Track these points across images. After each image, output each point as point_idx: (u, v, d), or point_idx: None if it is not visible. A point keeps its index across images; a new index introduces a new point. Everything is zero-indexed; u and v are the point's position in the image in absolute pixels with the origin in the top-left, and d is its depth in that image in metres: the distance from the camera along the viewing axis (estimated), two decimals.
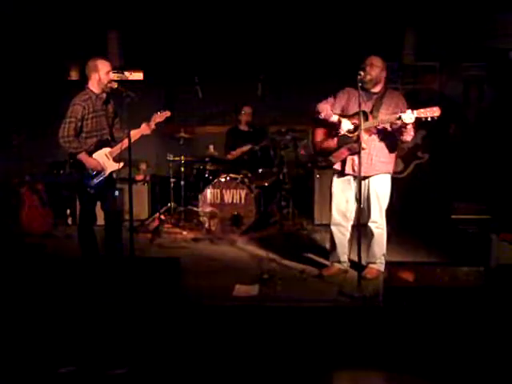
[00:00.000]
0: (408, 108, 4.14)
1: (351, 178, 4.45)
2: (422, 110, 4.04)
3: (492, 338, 3.21)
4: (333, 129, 4.39)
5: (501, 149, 6.24)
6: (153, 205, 6.74)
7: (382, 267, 4.46)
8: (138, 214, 6.15)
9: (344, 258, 4.60)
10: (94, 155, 4.35)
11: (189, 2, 6.71)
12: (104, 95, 4.39)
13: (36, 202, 6.08)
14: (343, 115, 4.36)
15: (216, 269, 4.86)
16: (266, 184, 6.36)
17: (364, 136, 4.18)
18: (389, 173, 4.43)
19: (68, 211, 6.51)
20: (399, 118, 4.07)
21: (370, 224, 4.42)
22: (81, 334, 3.41)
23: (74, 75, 7.40)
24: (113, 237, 4.51)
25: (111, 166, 4.43)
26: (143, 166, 6.89)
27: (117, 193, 4.64)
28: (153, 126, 4.50)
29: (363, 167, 4.14)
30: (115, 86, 4.32)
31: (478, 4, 6.39)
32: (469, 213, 5.73)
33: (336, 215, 4.54)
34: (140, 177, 6.79)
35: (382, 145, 4.37)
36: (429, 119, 4.04)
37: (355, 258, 4.30)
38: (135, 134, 4.39)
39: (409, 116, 4.03)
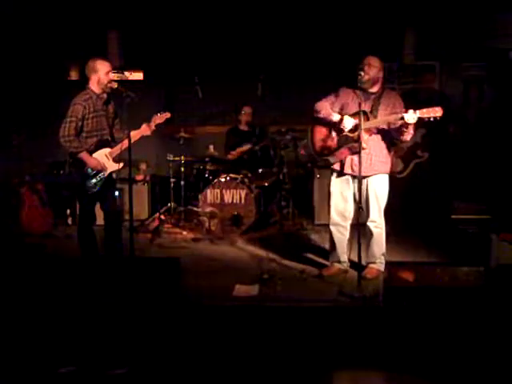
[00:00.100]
0: (406, 108, 4.15)
1: (350, 178, 4.45)
2: (424, 110, 4.05)
3: (492, 337, 3.21)
4: (333, 127, 4.39)
5: (501, 149, 6.24)
6: (153, 205, 6.74)
7: (381, 267, 4.46)
8: (137, 214, 6.15)
9: (344, 257, 4.61)
10: (94, 155, 4.35)
11: (189, 2, 6.71)
12: (105, 95, 4.39)
13: (36, 202, 6.08)
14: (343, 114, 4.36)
15: (216, 269, 4.86)
16: (266, 184, 6.36)
17: (364, 136, 4.18)
18: (387, 173, 4.44)
19: (68, 211, 6.52)
20: (402, 118, 4.07)
21: (368, 224, 4.42)
22: (81, 333, 3.41)
23: (73, 75, 7.40)
24: (113, 237, 4.51)
25: (111, 167, 4.43)
26: (143, 166, 6.89)
27: (117, 193, 4.64)
28: (153, 127, 4.50)
29: (362, 167, 4.14)
30: (115, 86, 4.32)
31: (477, 4, 6.39)
32: (469, 213, 5.73)
33: (335, 215, 4.55)
34: (140, 177, 6.79)
35: (381, 145, 4.39)
36: (431, 119, 4.05)
37: (355, 258, 4.30)
38: (135, 134, 4.39)
39: (411, 116, 4.03)
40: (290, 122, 6.32)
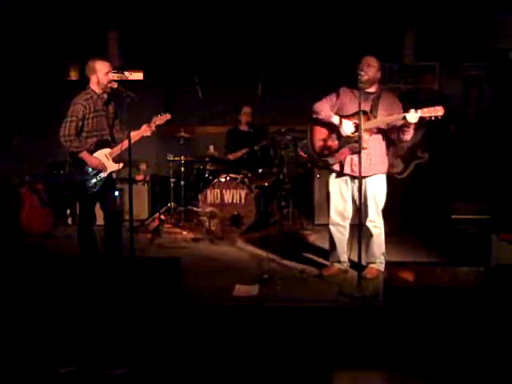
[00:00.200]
0: (407, 108, 4.15)
1: (348, 178, 4.45)
2: (425, 110, 4.05)
3: (492, 337, 3.21)
4: (333, 129, 4.39)
5: (501, 149, 6.23)
6: (153, 205, 6.74)
7: (381, 267, 4.46)
8: (137, 214, 6.15)
9: (344, 257, 4.61)
10: (94, 155, 4.34)
11: (189, 2, 6.72)
12: (105, 95, 4.40)
13: (36, 202, 6.08)
14: (342, 115, 4.35)
15: (216, 269, 4.86)
16: (266, 184, 6.36)
17: (365, 136, 4.19)
18: (385, 173, 4.45)
19: (68, 211, 6.52)
20: (404, 117, 4.08)
21: (367, 224, 4.42)
22: (81, 333, 3.41)
23: (73, 75, 7.40)
24: (113, 237, 4.51)
25: (111, 167, 4.43)
26: (143, 166, 6.89)
27: (116, 193, 4.64)
28: (153, 128, 4.50)
29: (362, 167, 4.14)
30: (115, 86, 4.32)
31: (477, 4, 6.39)
32: (469, 213, 5.73)
33: (334, 215, 4.55)
34: (140, 177, 6.79)
35: (381, 145, 4.40)
36: (432, 118, 4.05)
37: (355, 258, 4.30)
38: (135, 135, 4.38)
39: (413, 116, 4.04)
40: (289, 122, 6.32)
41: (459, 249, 5.04)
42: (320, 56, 6.89)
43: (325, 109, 4.38)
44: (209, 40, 6.97)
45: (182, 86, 7.25)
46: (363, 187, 4.31)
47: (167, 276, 3.87)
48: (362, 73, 4.17)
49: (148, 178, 6.84)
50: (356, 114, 4.22)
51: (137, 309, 3.56)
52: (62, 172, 6.70)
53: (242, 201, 5.97)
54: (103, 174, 4.38)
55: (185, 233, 6.10)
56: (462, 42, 6.79)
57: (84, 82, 4.42)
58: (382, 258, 4.51)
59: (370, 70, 4.25)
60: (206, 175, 6.40)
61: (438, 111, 4.04)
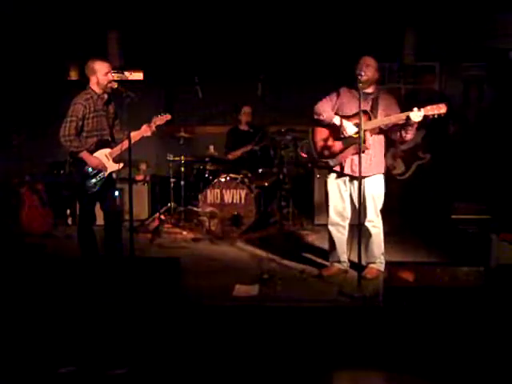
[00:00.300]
0: (408, 108, 4.15)
1: (347, 178, 4.46)
2: (428, 108, 4.06)
3: (492, 337, 3.21)
4: (335, 130, 4.37)
5: (501, 149, 6.23)
6: (153, 205, 6.74)
7: (381, 267, 4.46)
8: (137, 214, 6.15)
9: (344, 257, 4.61)
10: (94, 155, 4.34)
11: (189, 2, 6.72)
12: (105, 96, 4.40)
13: (36, 202, 6.08)
14: (342, 116, 4.34)
15: (216, 269, 4.86)
16: (266, 184, 6.36)
17: (367, 136, 4.21)
18: (383, 173, 4.46)
19: (68, 211, 6.52)
20: (407, 116, 4.08)
21: (366, 224, 4.42)
22: (81, 333, 3.41)
23: (73, 75, 7.40)
24: (112, 237, 4.51)
25: (111, 167, 4.43)
26: (143, 166, 6.89)
27: (116, 193, 4.64)
28: (153, 128, 4.49)
29: (362, 167, 4.14)
30: (115, 86, 4.32)
31: (477, 4, 6.39)
32: (469, 213, 5.72)
33: (333, 215, 4.55)
34: (140, 177, 6.80)
35: (381, 145, 4.41)
36: (435, 116, 4.05)
37: (355, 259, 4.30)
38: (135, 135, 4.38)
39: (417, 114, 4.05)
40: (289, 122, 6.31)
41: (459, 249, 5.04)
42: (320, 56, 6.89)
43: (326, 110, 4.37)
44: (209, 40, 6.97)
45: (182, 86, 7.25)
46: (358, 187, 4.31)
47: (167, 276, 3.87)
48: (362, 73, 4.16)
49: (148, 178, 6.84)
50: (357, 115, 4.21)
51: (137, 309, 3.56)
52: (62, 172, 6.70)
53: (242, 201, 5.97)
54: (103, 174, 4.38)
55: (185, 233, 6.10)
56: (462, 42, 6.79)
57: (84, 82, 4.42)
58: (382, 257, 4.51)
59: (368, 70, 4.25)
60: (206, 175, 6.40)
61: (441, 108, 4.04)
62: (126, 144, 4.27)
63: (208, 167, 6.43)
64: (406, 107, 4.24)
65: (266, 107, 6.89)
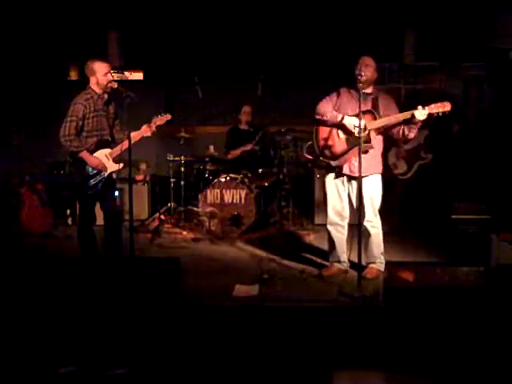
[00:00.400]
0: (409, 108, 4.16)
1: (345, 178, 4.46)
2: (432, 106, 4.07)
3: (492, 337, 3.21)
4: (340, 129, 4.37)
5: (501, 149, 6.23)
6: (153, 205, 6.75)
7: (381, 267, 4.46)
8: (138, 214, 6.15)
9: (344, 257, 4.61)
10: (95, 155, 4.34)
11: (189, 2, 6.72)
12: (105, 96, 4.40)
13: (36, 201, 6.08)
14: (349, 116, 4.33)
15: (216, 269, 4.86)
16: (266, 184, 6.36)
17: (371, 135, 4.22)
18: (380, 173, 4.46)
19: (68, 211, 6.52)
20: (412, 115, 4.08)
21: (365, 224, 4.41)
22: (81, 334, 3.41)
23: (73, 75, 7.40)
24: (112, 237, 4.51)
25: (111, 167, 4.43)
26: (143, 166, 6.89)
27: (116, 193, 4.64)
28: (153, 128, 4.49)
29: (361, 167, 4.14)
30: (115, 85, 4.32)
31: (478, 4, 6.39)
32: (469, 213, 5.73)
33: (332, 215, 4.55)
34: (140, 177, 6.80)
35: (379, 145, 4.41)
36: (440, 114, 4.06)
37: (355, 259, 4.30)
38: (135, 135, 4.38)
39: (421, 113, 4.05)
40: (290, 122, 6.32)
41: (459, 249, 5.04)
42: (320, 56, 6.89)
43: (329, 110, 4.36)
44: (209, 40, 6.97)
45: (182, 86, 7.26)
46: (358, 187, 4.31)
47: (167, 276, 3.87)
48: (362, 73, 4.16)
49: (148, 178, 6.84)
50: (362, 114, 4.18)
51: (137, 309, 3.56)
52: (62, 172, 6.70)
53: (242, 201, 5.97)
54: (103, 174, 4.38)
55: (185, 233, 6.10)
56: (462, 42, 6.78)
57: (84, 82, 4.42)
58: (382, 257, 4.51)
59: (367, 70, 4.25)
60: (206, 175, 6.40)
61: (446, 106, 4.05)
62: (126, 144, 4.27)
63: (208, 167, 6.43)
64: (408, 106, 4.24)
65: (265, 107, 6.89)
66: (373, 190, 4.41)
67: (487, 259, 4.34)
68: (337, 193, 4.50)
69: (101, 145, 4.39)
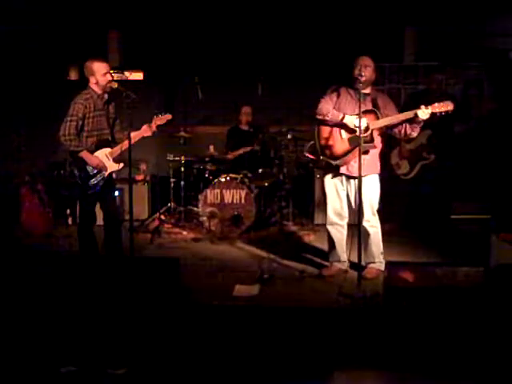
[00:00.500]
0: (411, 108, 4.17)
1: (343, 178, 4.46)
2: (436, 105, 4.07)
3: (492, 337, 3.21)
4: (342, 130, 4.36)
5: (501, 149, 6.23)
6: (153, 205, 6.75)
7: (381, 267, 4.46)
8: (138, 214, 6.15)
9: (344, 257, 4.61)
10: (95, 155, 4.35)
11: (189, 2, 6.72)
12: (106, 96, 4.40)
13: (36, 202, 6.08)
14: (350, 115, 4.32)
15: (216, 269, 4.85)
16: (266, 184, 6.36)
17: (375, 135, 4.23)
18: (378, 173, 4.47)
19: (68, 211, 6.51)
20: (415, 114, 4.09)
21: (364, 224, 4.41)
22: (81, 333, 3.41)
23: (73, 75, 7.41)
24: (112, 237, 4.51)
25: (111, 167, 4.43)
26: (143, 166, 6.89)
27: (117, 193, 4.64)
28: (154, 128, 4.49)
29: (357, 167, 4.14)
30: (115, 85, 4.32)
31: (478, 4, 6.39)
32: (469, 213, 5.72)
33: (332, 215, 4.55)
34: (140, 177, 6.79)
35: (380, 145, 4.41)
36: (443, 114, 4.06)
37: (355, 259, 4.30)
38: (136, 135, 4.38)
39: (424, 112, 4.06)
40: (290, 121, 6.32)
41: (459, 249, 5.04)
42: (320, 56, 6.89)
43: (330, 110, 4.34)
44: (209, 40, 6.98)
45: (182, 86, 7.26)
46: (358, 187, 4.31)
47: (167, 276, 3.87)
48: (363, 73, 4.16)
49: (148, 178, 6.84)
50: (363, 113, 4.17)
51: (136, 309, 3.55)
52: (62, 172, 6.69)
53: (242, 201, 5.97)
54: (103, 174, 4.38)
55: (185, 233, 6.10)
56: (462, 42, 6.79)
57: (84, 82, 4.42)
58: (381, 257, 4.51)
59: (367, 70, 4.25)
60: (206, 175, 6.40)
61: (449, 106, 4.06)
62: (126, 144, 4.27)
63: (208, 167, 6.43)
64: (412, 106, 4.23)
65: (266, 107, 6.89)
66: (371, 190, 4.41)
67: (487, 259, 4.33)
68: (336, 192, 4.51)
69: (101, 144, 4.39)
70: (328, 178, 4.53)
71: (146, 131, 4.47)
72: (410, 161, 5.96)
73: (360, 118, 4.07)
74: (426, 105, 4.08)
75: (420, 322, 3.30)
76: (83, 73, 4.43)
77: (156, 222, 6.23)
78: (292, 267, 4.85)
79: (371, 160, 4.35)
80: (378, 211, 4.49)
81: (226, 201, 6.00)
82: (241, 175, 6.15)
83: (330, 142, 4.41)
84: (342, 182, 4.48)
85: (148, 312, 3.55)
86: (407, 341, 3.25)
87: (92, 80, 4.34)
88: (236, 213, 5.95)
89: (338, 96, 4.41)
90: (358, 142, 4.12)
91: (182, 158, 6.37)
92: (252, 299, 4.06)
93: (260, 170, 6.44)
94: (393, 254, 4.85)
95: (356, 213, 4.30)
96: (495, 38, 6.88)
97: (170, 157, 6.39)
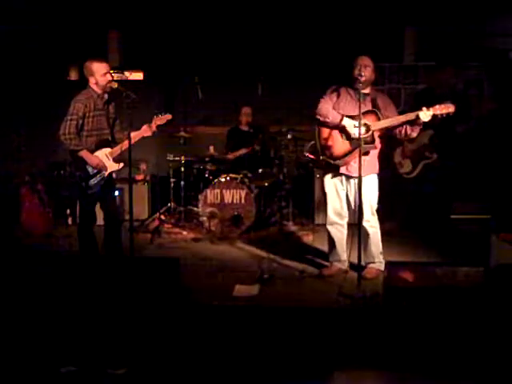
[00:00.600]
0: (413, 109, 4.17)
1: (343, 177, 4.46)
2: (437, 107, 4.07)
3: (492, 337, 3.21)
4: (343, 131, 4.35)
5: (501, 149, 6.23)
6: (153, 205, 6.75)
7: (381, 267, 4.46)
8: (138, 214, 6.15)
9: (344, 256, 4.61)
10: (95, 154, 4.34)
11: (189, 2, 6.72)
12: (106, 96, 4.40)
13: (36, 202, 6.08)
14: (348, 116, 4.31)
15: (216, 269, 4.85)
16: (266, 184, 6.36)
17: (376, 136, 4.23)
18: (377, 173, 4.47)
19: (68, 211, 6.51)
20: (417, 116, 4.09)
21: (364, 224, 4.40)
22: (81, 333, 3.41)
23: (73, 75, 7.41)
24: (112, 237, 4.52)
25: (111, 167, 4.43)
26: (143, 166, 6.89)
27: (117, 193, 4.64)
28: (154, 128, 4.49)
29: (356, 167, 4.14)
30: (115, 85, 4.32)
31: (478, 4, 6.39)
32: (469, 212, 5.72)
33: (332, 214, 4.55)
34: (140, 177, 6.79)
35: (379, 145, 4.41)
36: (444, 116, 4.06)
37: (355, 260, 4.30)
38: (136, 135, 4.38)
39: (426, 114, 4.06)
40: (290, 121, 6.32)
41: (459, 249, 5.04)
42: (320, 56, 6.89)
43: (331, 111, 4.33)
44: (209, 40, 6.97)
45: (182, 86, 7.25)
46: (357, 187, 4.31)
47: (167, 276, 3.87)
48: (362, 73, 4.16)
49: (148, 178, 6.84)
50: (363, 115, 4.17)
51: (136, 309, 3.55)
52: (62, 172, 6.70)
53: (242, 201, 5.97)
54: (103, 174, 4.38)
55: (185, 233, 6.10)
56: (462, 42, 6.78)
57: (84, 82, 4.42)
58: (381, 257, 4.51)
59: (367, 70, 4.25)
60: (206, 175, 6.40)
61: (450, 108, 4.07)
62: (126, 144, 4.28)
63: (208, 167, 6.43)
64: (418, 107, 4.23)
65: (266, 107, 6.89)
66: (370, 190, 4.41)
67: (487, 259, 4.33)
68: (335, 192, 4.51)
69: (101, 144, 4.39)
70: (328, 178, 4.53)
71: (146, 131, 4.47)
72: (412, 160, 5.96)
73: (360, 118, 4.07)
74: (428, 106, 4.09)
75: (420, 322, 3.30)
76: (83, 73, 4.43)
77: (156, 222, 6.23)
78: (292, 267, 4.85)
79: (370, 160, 4.36)
80: (379, 210, 4.49)
81: (226, 201, 6.00)
82: (241, 175, 6.15)
83: (331, 143, 4.40)
84: (341, 181, 4.49)
85: (148, 312, 3.55)
86: (407, 341, 3.25)
87: (92, 80, 4.34)
88: (236, 213, 5.95)
89: (338, 96, 4.41)
90: (359, 143, 4.12)
91: (182, 158, 6.37)
92: (252, 299, 4.06)
93: (260, 170, 6.44)
94: (393, 254, 4.85)
95: (356, 213, 4.31)
96: (495, 38, 6.87)
97: (170, 157, 6.39)
